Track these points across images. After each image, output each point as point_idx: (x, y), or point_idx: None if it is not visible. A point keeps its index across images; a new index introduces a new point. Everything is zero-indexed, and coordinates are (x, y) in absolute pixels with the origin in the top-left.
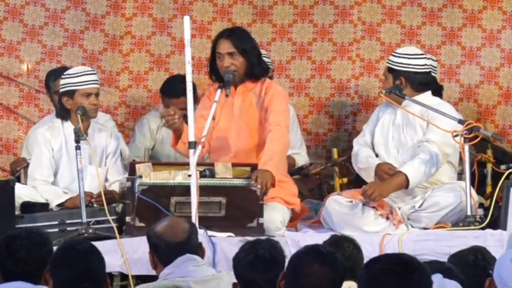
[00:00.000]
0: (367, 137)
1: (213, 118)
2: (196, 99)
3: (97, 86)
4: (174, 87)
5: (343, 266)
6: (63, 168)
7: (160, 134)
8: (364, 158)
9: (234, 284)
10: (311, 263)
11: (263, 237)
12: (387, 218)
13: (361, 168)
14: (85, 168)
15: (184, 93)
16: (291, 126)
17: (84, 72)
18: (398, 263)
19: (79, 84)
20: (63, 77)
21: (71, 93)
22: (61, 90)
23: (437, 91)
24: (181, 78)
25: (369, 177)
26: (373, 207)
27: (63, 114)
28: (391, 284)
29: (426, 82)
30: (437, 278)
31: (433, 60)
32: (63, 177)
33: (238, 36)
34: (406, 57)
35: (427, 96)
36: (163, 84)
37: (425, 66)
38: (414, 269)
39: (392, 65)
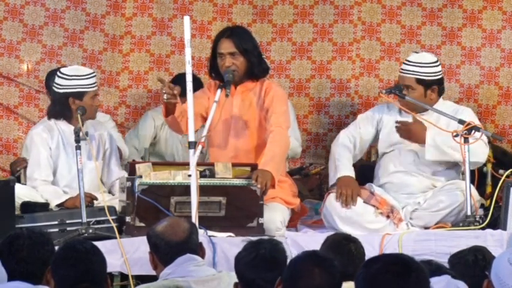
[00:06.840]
0: (357, 132)
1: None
2: None
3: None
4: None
5: (340, 271)
6: (61, 166)
7: (164, 132)
8: (338, 156)
9: (236, 284)
10: (310, 268)
11: (266, 237)
12: (387, 217)
13: (336, 158)
14: (84, 164)
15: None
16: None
17: (91, 74)
18: (396, 263)
19: (89, 86)
20: (68, 77)
21: (80, 95)
22: (69, 90)
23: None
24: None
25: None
26: (374, 206)
27: (65, 113)
28: (389, 284)
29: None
30: (445, 278)
31: None
32: (62, 175)
33: (239, 36)
34: (432, 66)
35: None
36: (171, 81)
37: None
38: (412, 269)
39: (421, 75)
